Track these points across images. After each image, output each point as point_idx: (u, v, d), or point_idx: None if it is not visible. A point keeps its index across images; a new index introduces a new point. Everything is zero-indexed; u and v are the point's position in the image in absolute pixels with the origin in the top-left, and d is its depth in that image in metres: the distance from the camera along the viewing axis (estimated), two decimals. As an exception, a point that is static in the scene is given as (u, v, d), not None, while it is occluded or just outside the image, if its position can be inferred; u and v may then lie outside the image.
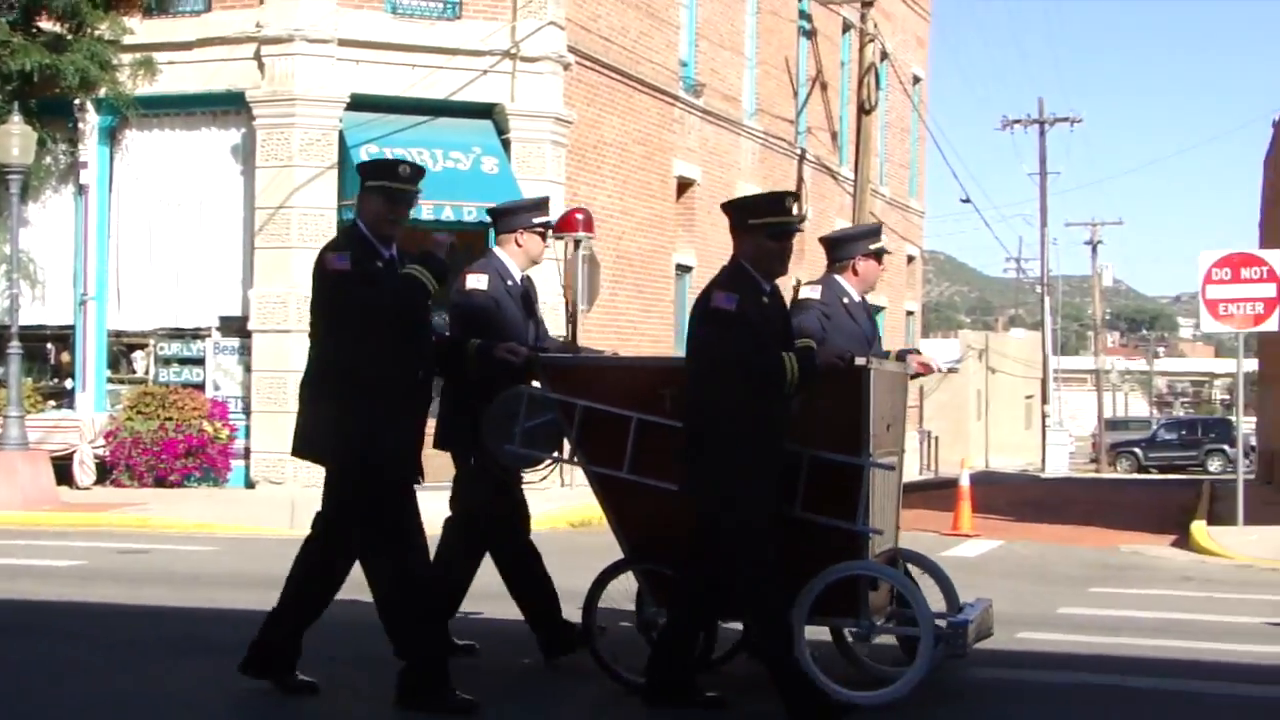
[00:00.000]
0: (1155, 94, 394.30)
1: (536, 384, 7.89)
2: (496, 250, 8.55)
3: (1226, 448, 53.76)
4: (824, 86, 32.55)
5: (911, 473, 38.56)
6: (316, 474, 7.40)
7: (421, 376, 7.38)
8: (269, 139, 19.98)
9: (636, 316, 24.10)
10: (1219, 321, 19.26)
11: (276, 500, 18.04)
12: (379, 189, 7.30)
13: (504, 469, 7.98)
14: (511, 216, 8.63)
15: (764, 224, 7.17)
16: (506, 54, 20.78)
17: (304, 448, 7.35)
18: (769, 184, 29.12)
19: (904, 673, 7.35)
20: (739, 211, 7.35)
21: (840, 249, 8.66)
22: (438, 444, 8.06)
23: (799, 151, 30.96)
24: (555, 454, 7.97)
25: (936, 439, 45.04)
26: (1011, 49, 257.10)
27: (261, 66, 20.07)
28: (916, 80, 39.80)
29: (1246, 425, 45.71)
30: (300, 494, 18.07)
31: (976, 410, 61.10)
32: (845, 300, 8.47)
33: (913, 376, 8.49)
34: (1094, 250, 70.06)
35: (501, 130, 20.90)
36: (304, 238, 19.63)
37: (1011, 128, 57.55)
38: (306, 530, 7.34)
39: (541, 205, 8.86)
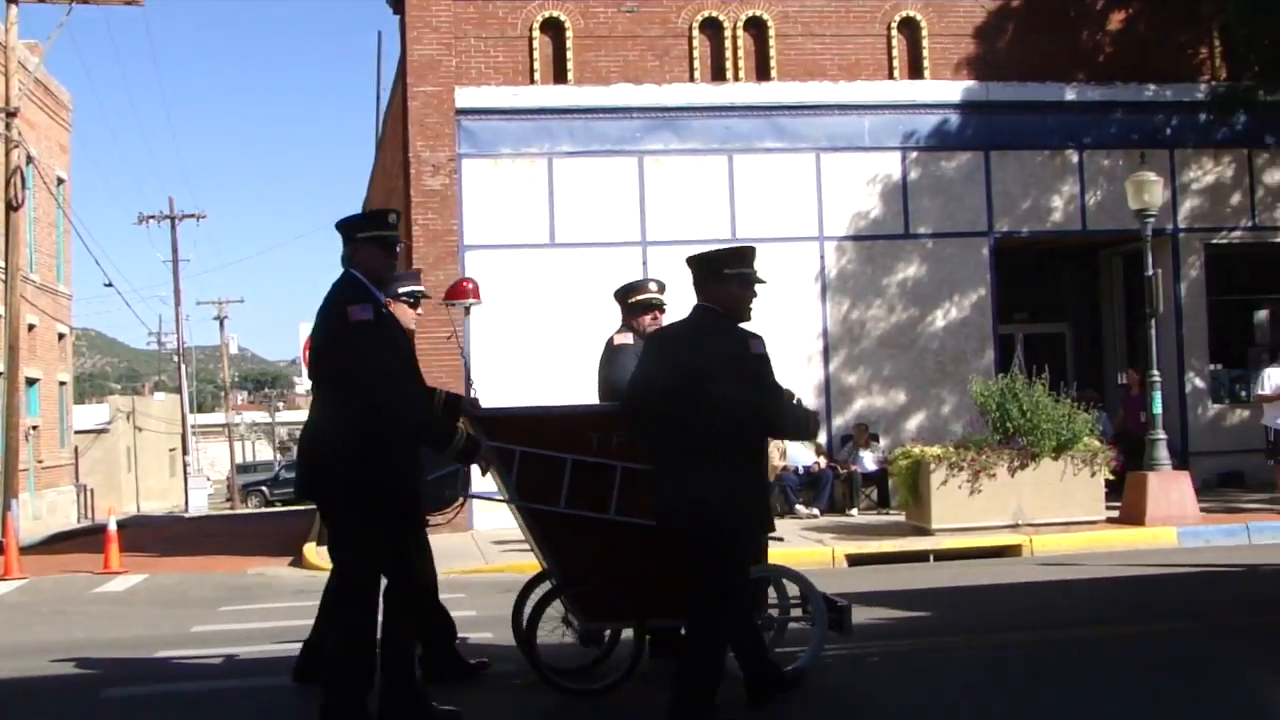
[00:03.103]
0: (269, 193, 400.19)
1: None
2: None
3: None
4: (-27, 186, 30.47)
5: (71, 521, 36.77)
6: None
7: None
8: None
9: None
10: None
11: None
12: (375, 239, 6.50)
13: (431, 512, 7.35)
14: (387, 286, 7.66)
15: (737, 274, 6.61)
16: None
17: (308, 491, 6.53)
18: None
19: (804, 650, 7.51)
20: (708, 264, 6.66)
21: (626, 300, 8.60)
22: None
23: (-49, 243, 28.78)
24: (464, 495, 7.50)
25: (92, 490, 43.21)
26: (145, 156, 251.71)
27: None
28: (61, 181, 38.17)
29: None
30: None
31: (127, 464, 59.16)
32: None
33: None
34: (221, 324, 69.43)
35: None
36: None
37: (147, 223, 56.12)
38: None
39: (409, 278, 8.16)
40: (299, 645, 9.38)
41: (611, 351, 8.40)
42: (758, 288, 6.74)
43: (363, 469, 6.27)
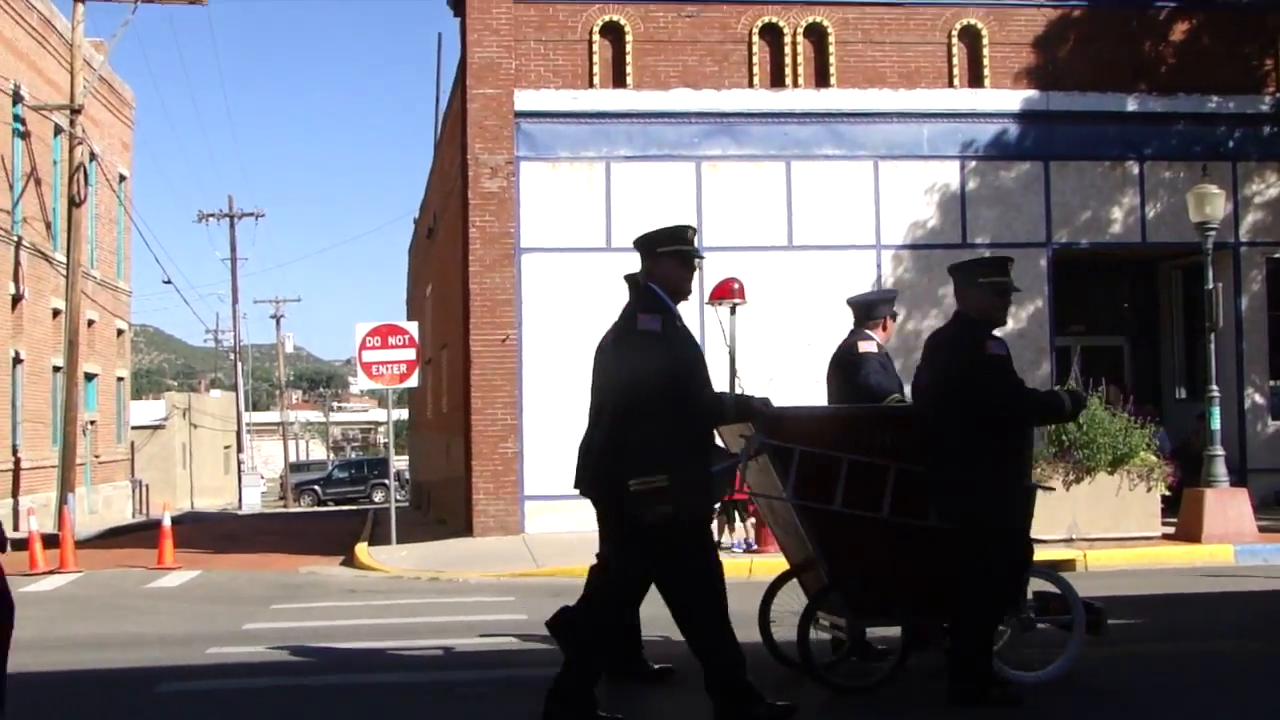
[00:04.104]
0: (327, 193, 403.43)
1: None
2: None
3: (387, 481, 55.23)
4: (38, 182, 30.78)
5: (126, 516, 37.09)
6: None
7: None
8: None
9: None
10: (373, 380, 19.68)
11: None
12: (676, 253, 6.63)
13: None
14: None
15: (990, 282, 7.07)
16: None
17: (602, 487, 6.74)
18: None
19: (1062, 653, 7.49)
20: (962, 272, 7.25)
21: (874, 310, 8.91)
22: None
23: (16, 239, 29.10)
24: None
25: (148, 486, 43.59)
26: (205, 154, 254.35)
27: None
28: (123, 178, 38.50)
29: (401, 463, 47.41)
30: None
31: (182, 460, 59.70)
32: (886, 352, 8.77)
33: None
34: (278, 323, 70.17)
35: None
36: None
37: (206, 221, 56.67)
38: None
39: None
40: (349, 646, 9.43)
41: (860, 359, 8.66)
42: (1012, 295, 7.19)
43: (649, 475, 6.31)
